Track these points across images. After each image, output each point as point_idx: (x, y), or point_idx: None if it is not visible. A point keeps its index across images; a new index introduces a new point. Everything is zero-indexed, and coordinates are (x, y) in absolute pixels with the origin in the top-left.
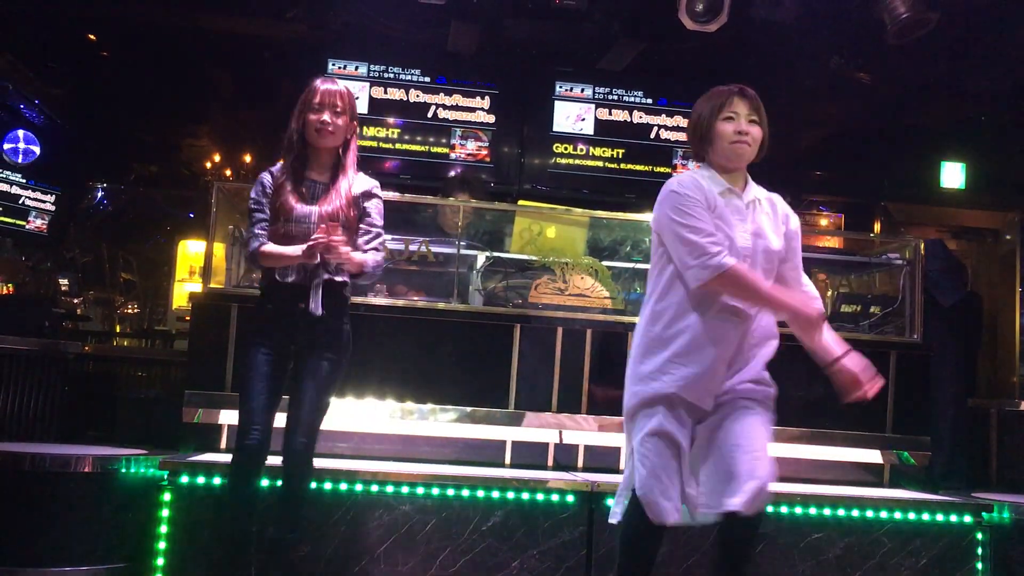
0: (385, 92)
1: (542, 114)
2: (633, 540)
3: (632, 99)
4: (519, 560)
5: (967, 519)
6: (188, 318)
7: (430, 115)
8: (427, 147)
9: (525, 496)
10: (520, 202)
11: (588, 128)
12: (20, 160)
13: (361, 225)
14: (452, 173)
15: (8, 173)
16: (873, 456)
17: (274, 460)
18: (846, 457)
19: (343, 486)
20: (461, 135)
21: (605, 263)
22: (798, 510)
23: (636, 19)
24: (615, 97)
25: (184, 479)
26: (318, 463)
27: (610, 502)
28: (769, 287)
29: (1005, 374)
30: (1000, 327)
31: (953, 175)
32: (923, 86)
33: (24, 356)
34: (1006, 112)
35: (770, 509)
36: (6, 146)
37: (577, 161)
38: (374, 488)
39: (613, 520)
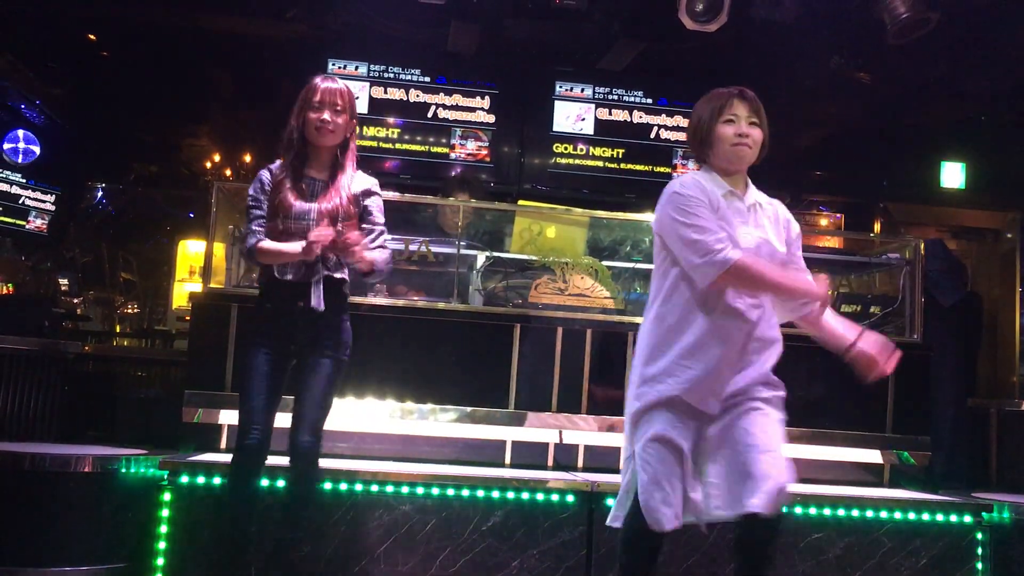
0: (385, 92)
1: (542, 114)
2: (634, 543)
3: (632, 99)
4: (519, 560)
5: (967, 519)
6: (188, 318)
7: (430, 115)
8: (427, 147)
9: (525, 496)
10: (520, 202)
11: (588, 128)
12: (20, 160)
13: (364, 225)
14: (452, 173)
15: (8, 173)
16: (873, 456)
17: (274, 460)
18: (846, 457)
19: (343, 486)
20: (461, 135)
21: (605, 263)
22: (798, 510)
23: (636, 19)
24: (615, 97)
25: (184, 479)
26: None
27: (610, 502)
28: (777, 272)
29: (1005, 374)
30: (1000, 327)
31: (953, 175)
32: (923, 86)
33: (24, 356)
34: (1006, 112)
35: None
36: (6, 146)
37: (577, 161)
38: (374, 488)
39: (613, 524)
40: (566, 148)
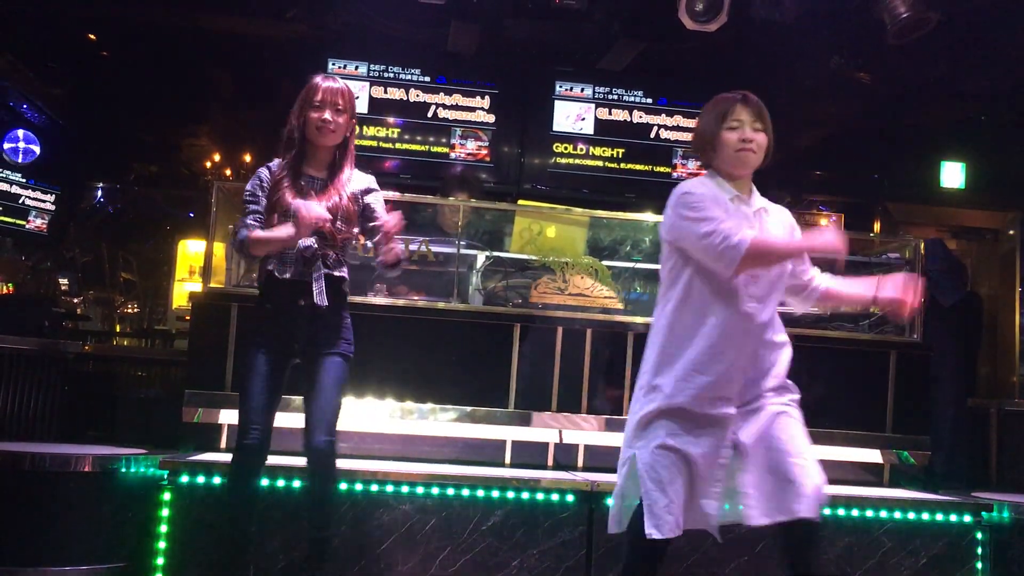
0: (385, 92)
1: (542, 114)
2: (638, 546)
3: (632, 99)
4: (519, 560)
5: (967, 519)
6: (188, 318)
7: (430, 115)
8: (427, 147)
9: (525, 496)
10: (520, 202)
11: (588, 128)
12: (20, 160)
13: (370, 224)
14: (451, 170)
15: (8, 173)
16: (873, 456)
17: (274, 460)
18: (846, 457)
19: (343, 486)
20: (461, 135)
21: (605, 263)
22: None
23: (636, 19)
24: (615, 97)
25: (184, 479)
26: None
27: (610, 502)
28: (786, 240)
29: (1005, 374)
30: (1000, 327)
31: (953, 175)
32: (923, 86)
33: (24, 356)
34: (1006, 112)
35: None
36: (6, 146)
37: (577, 161)
38: (374, 488)
39: (611, 531)
40: (566, 148)
